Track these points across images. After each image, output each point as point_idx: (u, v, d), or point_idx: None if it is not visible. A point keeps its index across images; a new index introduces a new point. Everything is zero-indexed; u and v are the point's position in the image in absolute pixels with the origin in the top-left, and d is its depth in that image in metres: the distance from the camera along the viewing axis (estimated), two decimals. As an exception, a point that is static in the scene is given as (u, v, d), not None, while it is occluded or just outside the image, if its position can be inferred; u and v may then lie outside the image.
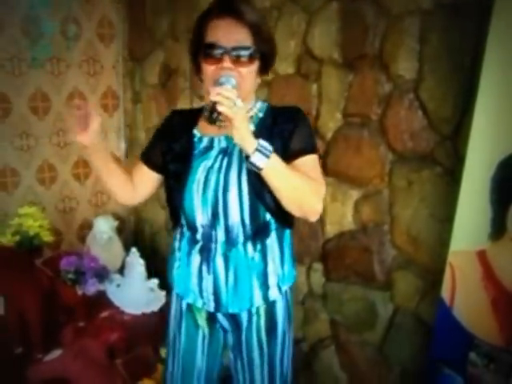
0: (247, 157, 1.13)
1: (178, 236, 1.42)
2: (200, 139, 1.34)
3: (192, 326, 1.45)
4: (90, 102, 3.13)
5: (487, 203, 1.43)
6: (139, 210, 3.46)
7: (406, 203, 1.74)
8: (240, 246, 1.29)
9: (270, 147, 1.12)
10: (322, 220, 2.05)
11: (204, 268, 1.31)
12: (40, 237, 2.67)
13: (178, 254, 1.41)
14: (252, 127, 1.24)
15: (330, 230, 2.04)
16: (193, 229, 1.33)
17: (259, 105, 1.35)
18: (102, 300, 2.60)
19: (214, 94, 1.09)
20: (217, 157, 1.29)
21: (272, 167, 1.13)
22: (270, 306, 1.39)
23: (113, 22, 3.15)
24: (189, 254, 1.35)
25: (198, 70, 1.30)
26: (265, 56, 1.25)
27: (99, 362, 1.95)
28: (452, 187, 1.59)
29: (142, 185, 1.43)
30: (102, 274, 2.61)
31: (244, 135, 1.12)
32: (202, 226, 1.30)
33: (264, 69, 1.29)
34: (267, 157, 1.11)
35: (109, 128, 3.29)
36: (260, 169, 1.13)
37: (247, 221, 1.27)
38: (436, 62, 1.58)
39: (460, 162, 1.55)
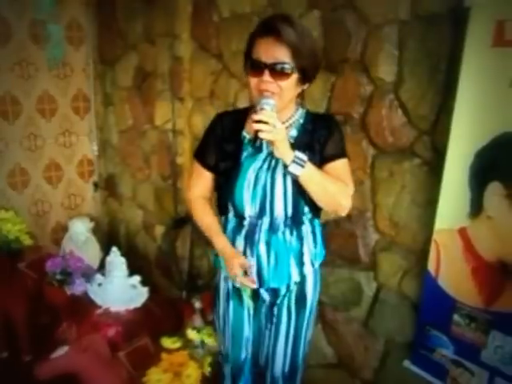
0: (286, 166, 1.33)
1: (223, 223, 1.58)
2: (249, 142, 1.48)
3: (238, 304, 1.64)
4: (61, 105, 3.04)
5: (466, 188, 1.60)
6: (114, 210, 3.40)
7: (388, 192, 1.88)
8: (280, 234, 1.48)
9: (305, 158, 1.31)
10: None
11: (248, 252, 1.49)
12: (20, 240, 2.58)
13: None
14: (295, 132, 1.45)
15: (315, 219, 2.15)
16: (240, 218, 1.50)
17: (300, 111, 1.50)
18: (83, 300, 2.56)
19: (256, 122, 1.26)
20: (265, 159, 1.45)
21: (306, 174, 1.33)
22: (302, 280, 1.57)
23: (82, 25, 3.07)
24: (233, 239, 1.52)
25: (247, 82, 1.41)
26: (304, 69, 1.35)
27: (104, 356, 1.95)
28: (430, 176, 1.75)
29: (210, 191, 1.61)
30: (89, 274, 2.56)
31: (283, 151, 1.31)
32: (249, 217, 1.47)
33: (306, 79, 1.39)
34: (302, 166, 1.31)
35: (80, 131, 3.21)
36: (297, 176, 1.33)
37: (289, 214, 1.45)
38: (414, 66, 1.72)
39: (437, 154, 1.72)
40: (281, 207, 1.44)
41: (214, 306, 1.76)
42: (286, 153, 1.31)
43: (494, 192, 1.55)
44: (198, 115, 2.57)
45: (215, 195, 1.59)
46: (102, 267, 2.85)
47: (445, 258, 1.71)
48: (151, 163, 2.94)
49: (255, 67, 1.32)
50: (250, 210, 1.46)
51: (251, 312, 1.66)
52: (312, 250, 1.55)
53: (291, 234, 1.49)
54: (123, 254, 2.75)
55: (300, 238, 1.51)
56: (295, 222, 1.48)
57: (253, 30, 1.38)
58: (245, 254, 1.49)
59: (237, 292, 1.62)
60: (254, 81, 1.34)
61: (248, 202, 1.45)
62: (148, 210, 3.07)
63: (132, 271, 2.70)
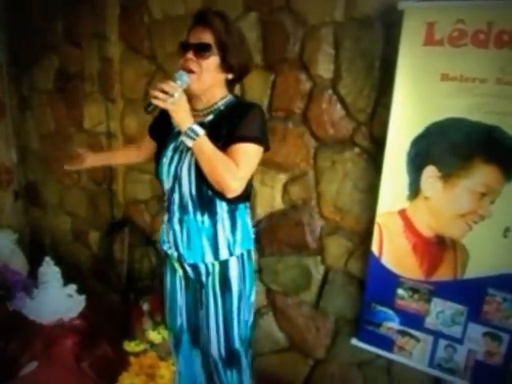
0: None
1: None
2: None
3: (172, 269, 1.69)
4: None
5: (404, 173, 1.69)
6: (37, 219, 3.06)
7: (330, 180, 1.92)
8: (190, 212, 1.50)
9: (200, 132, 1.33)
10: (252, 204, 2.12)
11: (168, 225, 1.58)
12: None
13: (163, 215, 1.64)
14: (211, 117, 1.47)
15: (260, 211, 2.14)
16: (164, 193, 1.57)
17: (226, 100, 1.49)
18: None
19: (154, 90, 1.29)
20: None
21: (197, 148, 1.34)
22: (224, 265, 1.55)
23: (-10, 28, 2.70)
24: (164, 212, 1.61)
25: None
26: (225, 56, 1.39)
27: (70, 368, 1.76)
28: (370, 163, 1.83)
29: (145, 148, 1.76)
30: (28, 287, 2.28)
31: (178, 121, 1.35)
32: (167, 192, 1.54)
33: (228, 68, 1.42)
34: (193, 139, 1.33)
35: (-4, 137, 2.83)
36: (189, 147, 1.37)
37: (194, 193, 1.46)
38: (351, 64, 1.78)
39: (375, 143, 1.80)
40: (186, 187, 1.46)
41: None
42: (181, 123, 1.34)
43: (429, 175, 1.66)
44: (131, 117, 2.41)
45: None
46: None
47: (387, 238, 1.79)
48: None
49: (183, 48, 1.40)
50: (166, 185, 1.53)
51: (183, 282, 1.67)
52: (229, 236, 1.52)
53: (202, 214, 1.49)
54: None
55: (213, 222, 1.49)
56: (203, 203, 1.47)
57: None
58: (167, 227, 1.58)
59: (169, 258, 1.66)
60: (181, 60, 1.40)
61: (165, 177, 1.52)
62: (79, 216, 2.82)
63: (65, 281, 2.48)
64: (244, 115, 1.41)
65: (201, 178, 1.41)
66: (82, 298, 2.52)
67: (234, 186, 1.37)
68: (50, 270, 2.51)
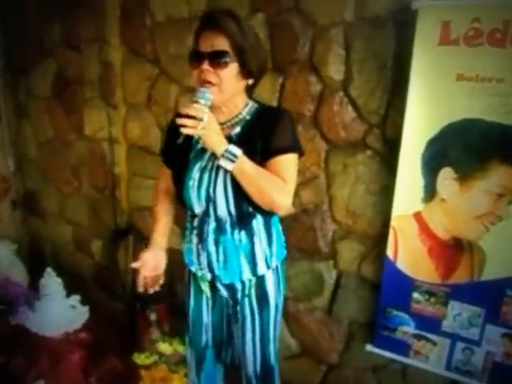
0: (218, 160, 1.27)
1: (187, 217, 1.51)
2: (197, 141, 1.38)
3: (197, 290, 1.59)
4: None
5: (419, 175, 1.68)
6: (36, 229, 2.99)
7: (342, 183, 1.90)
8: (227, 232, 1.40)
9: (238, 152, 1.24)
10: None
11: (200, 246, 1.45)
12: None
13: (185, 232, 1.52)
14: (238, 129, 1.35)
15: (270, 216, 2.10)
16: (193, 215, 1.45)
17: (249, 108, 1.38)
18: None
19: (181, 116, 1.18)
20: (209, 158, 1.36)
21: (238, 169, 1.25)
22: (260, 280, 1.49)
23: (-17, 32, 2.63)
24: (190, 233, 1.48)
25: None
26: (244, 61, 1.27)
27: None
28: (383, 165, 1.81)
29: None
30: (31, 300, 2.22)
31: (212, 145, 1.26)
32: (198, 215, 1.42)
33: (248, 73, 1.31)
34: (232, 161, 1.24)
35: (-9, 145, 2.76)
36: (229, 171, 1.27)
37: (233, 212, 1.36)
38: (362, 65, 1.76)
39: (388, 145, 1.78)
40: (223, 207, 1.35)
41: None
42: (216, 146, 1.25)
43: (445, 176, 1.65)
44: (134, 122, 2.37)
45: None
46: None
47: (402, 241, 1.77)
48: (81, 175, 2.63)
49: (195, 58, 1.26)
50: (197, 209, 1.40)
51: (210, 301, 1.59)
52: (266, 250, 1.45)
53: (239, 232, 1.39)
54: (54, 275, 2.46)
55: (250, 237, 1.41)
56: (242, 220, 1.38)
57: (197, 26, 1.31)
58: (198, 249, 1.46)
59: (195, 279, 1.58)
60: (195, 72, 1.27)
61: (195, 201, 1.39)
62: (80, 225, 2.76)
63: (67, 291, 2.42)
64: (275, 124, 1.32)
65: (239, 196, 1.32)
66: (86, 308, 2.47)
67: (286, 202, 1.31)
68: (51, 282, 2.45)
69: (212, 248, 1.42)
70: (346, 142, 1.85)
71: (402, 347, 1.85)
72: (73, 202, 2.73)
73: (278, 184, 1.28)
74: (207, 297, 1.58)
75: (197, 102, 1.21)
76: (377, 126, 1.79)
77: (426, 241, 1.73)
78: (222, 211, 1.36)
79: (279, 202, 1.29)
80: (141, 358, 1.95)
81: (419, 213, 1.71)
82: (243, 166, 1.25)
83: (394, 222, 1.76)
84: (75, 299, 2.50)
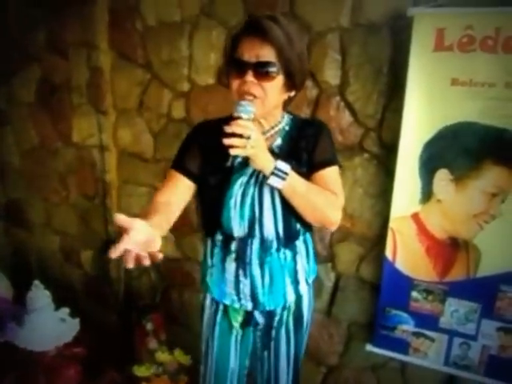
0: (267, 179, 1.18)
1: (209, 244, 1.39)
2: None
3: (226, 328, 1.44)
4: None
5: (417, 177, 1.73)
6: (20, 240, 2.91)
7: (340, 187, 1.94)
8: (274, 252, 1.31)
9: (287, 169, 1.17)
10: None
11: (241, 273, 1.33)
12: None
13: (210, 262, 1.39)
14: (280, 141, 1.29)
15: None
16: (228, 239, 1.32)
17: (286, 118, 1.34)
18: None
19: (227, 136, 1.08)
20: (253, 173, 1.27)
21: (289, 187, 1.18)
22: (299, 299, 1.43)
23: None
24: (223, 261, 1.35)
25: (229, 85, 1.22)
26: (291, 73, 1.19)
27: None
28: (380, 168, 1.86)
29: (180, 200, 1.27)
30: (18, 315, 2.15)
31: (260, 164, 1.17)
32: (238, 237, 1.30)
33: (292, 85, 1.23)
34: (283, 179, 1.16)
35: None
36: (279, 189, 1.19)
37: (281, 231, 1.29)
38: (358, 70, 1.81)
39: (385, 148, 1.83)
40: (271, 226, 1.28)
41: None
42: (265, 165, 1.16)
43: (441, 178, 1.71)
44: (125, 128, 2.35)
45: (200, 214, 1.40)
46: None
47: (401, 242, 1.83)
48: (69, 183, 2.58)
49: (237, 67, 1.16)
50: (238, 230, 1.29)
51: (239, 339, 1.46)
52: (305, 267, 1.40)
53: (285, 251, 1.33)
54: (41, 287, 2.41)
55: (294, 255, 1.36)
56: (288, 239, 1.32)
57: (237, 30, 1.22)
58: (237, 276, 1.33)
59: (225, 317, 1.43)
60: (235, 83, 1.17)
61: (236, 221, 1.28)
62: (68, 235, 2.70)
63: (55, 304, 2.37)
64: (319, 136, 1.29)
65: (288, 213, 1.26)
66: (76, 321, 2.40)
67: (337, 217, 1.25)
68: (39, 295, 2.37)
69: (257, 271, 1.32)
70: (343, 145, 1.90)
71: (402, 345, 1.91)
72: (61, 212, 2.67)
73: (329, 199, 1.23)
74: (236, 334, 1.45)
75: (239, 117, 1.12)
76: (373, 129, 1.84)
77: (424, 241, 1.79)
78: (269, 231, 1.28)
79: (332, 217, 1.24)
80: (141, 370, 1.92)
81: (417, 214, 1.77)
82: (294, 182, 1.18)
83: (392, 224, 1.81)
84: (64, 312, 2.43)
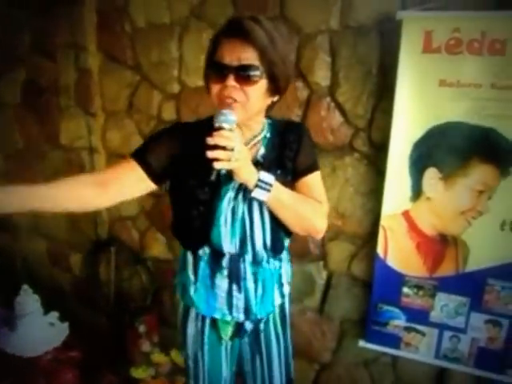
0: (250, 191, 1.14)
1: (189, 257, 1.31)
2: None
3: (215, 340, 1.39)
4: None
5: (407, 175, 1.78)
6: (5, 245, 2.86)
7: (332, 186, 1.98)
8: (265, 263, 1.30)
9: (271, 180, 1.12)
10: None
11: (234, 288, 1.29)
12: None
13: (192, 277, 1.32)
14: (263, 150, 1.23)
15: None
16: (217, 255, 1.26)
17: (267, 125, 1.26)
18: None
19: (211, 151, 1.01)
20: (239, 188, 1.20)
21: (274, 199, 1.15)
22: (283, 301, 1.43)
23: None
24: (212, 276, 1.29)
25: (208, 89, 1.15)
26: (275, 76, 1.11)
27: None
28: (370, 168, 1.90)
29: (119, 184, 1.14)
30: (8, 320, 2.12)
31: (244, 177, 1.11)
32: (229, 254, 1.26)
33: (276, 89, 1.15)
34: (268, 191, 1.12)
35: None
36: (263, 201, 1.16)
37: (270, 244, 1.26)
38: (348, 71, 1.85)
39: (375, 148, 1.88)
40: (261, 242, 1.25)
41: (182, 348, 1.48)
42: (248, 177, 1.11)
43: (430, 176, 1.76)
44: (114, 130, 2.34)
45: (174, 225, 1.32)
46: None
47: (392, 239, 1.87)
48: (56, 186, 2.55)
49: (217, 71, 1.08)
50: (229, 247, 1.24)
51: (229, 348, 1.43)
52: (287, 268, 1.41)
53: (274, 261, 1.32)
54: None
55: (280, 259, 1.35)
56: (277, 250, 1.31)
57: (216, 31, 1.14)
58: (230, 291, 1.28)
59: (214, 331, 1.38)
60: (215, 88, 1.10)
61: (227, 239, 1.23)
62: (57, 239, 2.67)
63: (44, 308, 2.34)
64: (300, 141, 1.25)
65: (276, 226, 1.23)
66: (65, 325, 2.38)
67: (323, 225, 1.24)
68: (28, 299, 2.35)
69: (251, 285, 1.28)
70: (333, 145, 1.93)
71: (394, 340, 1.95)
72: (48, 215, 2.64)
73: (315, 207, 1.21)
74: (226, 346, 1.42)
75: (220, 127, 1.04)
76: (363, 129, 1.88)
77: (415, 238, 1.84)
78: (260, 246, 1.25)
79: (318, 226, 1.23)
80: (138, 372, 1.92)
81: (407, 211, 1.82)
82: (278, 194, 1.14)
83: (383, 222, 1.86)
84: (54, 316, 2.41)
